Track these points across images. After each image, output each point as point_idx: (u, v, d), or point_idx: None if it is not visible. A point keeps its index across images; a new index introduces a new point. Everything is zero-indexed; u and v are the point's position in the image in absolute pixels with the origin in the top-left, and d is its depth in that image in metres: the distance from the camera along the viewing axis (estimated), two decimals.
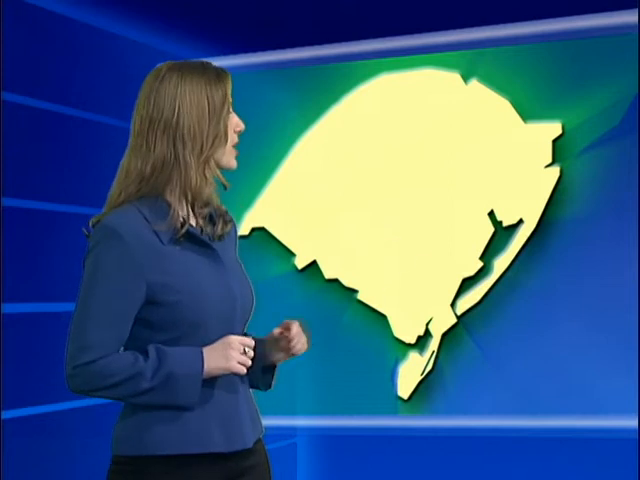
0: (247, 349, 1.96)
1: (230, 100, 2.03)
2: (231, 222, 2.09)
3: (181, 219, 1.98)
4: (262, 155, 4.54)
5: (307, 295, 4.49)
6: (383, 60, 4.43)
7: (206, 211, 2.05)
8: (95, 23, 4.16)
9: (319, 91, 4.54)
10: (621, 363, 4.01)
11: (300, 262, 4.53)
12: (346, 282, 4.47)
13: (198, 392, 1.93)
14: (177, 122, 1.97)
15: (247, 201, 4.46)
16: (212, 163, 2.00)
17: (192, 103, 1.98)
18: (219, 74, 2.02)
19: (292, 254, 4.54)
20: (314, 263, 4.53)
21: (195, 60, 2.07)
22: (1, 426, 3.57)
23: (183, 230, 1.97)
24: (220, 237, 2.05)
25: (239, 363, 1.95)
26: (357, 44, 4.44)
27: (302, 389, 4.44)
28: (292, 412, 4.45)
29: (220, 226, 2.05)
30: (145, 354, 1.92)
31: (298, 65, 4.54)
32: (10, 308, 3.67)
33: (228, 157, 2.04)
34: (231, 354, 1.94)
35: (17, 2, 3.77)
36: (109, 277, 1.92)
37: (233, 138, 2.04)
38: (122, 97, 4.19)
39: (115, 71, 4.23)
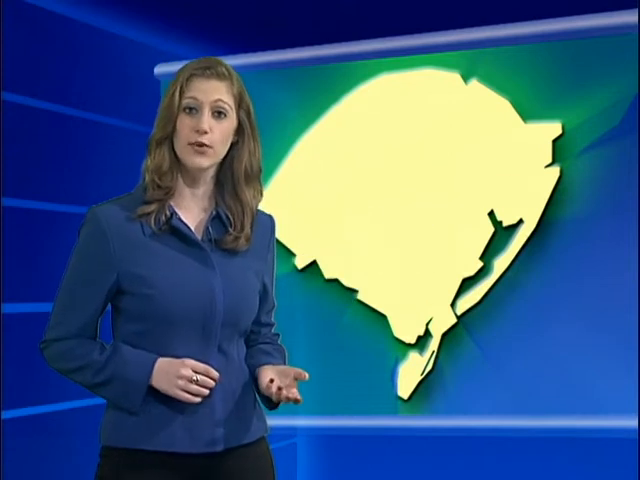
0: (198, 377, 1.95)
1: (192, 95, 1.99)
2: (248, 241, 2.04)
3: (168, 213, 1.99)
4: (262, 155, 4.53)
5: (307, 295, 4.48)
6: (383, 60, 4.43)
7: (214, 212, 2.04)
8: (95, 23, 4.16)
9: (319, 91, 4.53)
10: (621, 363, 4.00)
11: (300, 262, 4.53)
12: (346, 282, 4.47)
13: (139, 400, 1.95)
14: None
15: None
16: (161, 152, 2.00)
17: (165, 92, 2.04)
18: (191, 73, 2.02)
19: (292, 254, 4.54)
20: (314, 263, 4.52)
21: (208, 57, 2.07)
22: (1, 426, 3.57)
23: (153, 221, 1.97)
24: (230, 249, 2.03)
25: (186, 391, 1.94)
26: (357, 44, 4.44)
27: (302, 389, 4.43)
28: (292, 412, 4.45)
29: (230, 238, 2.03)
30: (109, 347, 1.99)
31: (298, 65, 4.53)
32: (10, 308, 3.67)
33: (183, 154, 2.01)
34: (177, 383, 1.94)
35: (17, 2, 3.77)
36: (79, 262, 1.99)
37: (189, 137, 1.99)
38: (122, 97, 4.19)
39: (115, 71, 4.23)
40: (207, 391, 1.95)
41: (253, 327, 2.12)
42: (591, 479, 4.01)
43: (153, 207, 1.98)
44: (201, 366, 1.95)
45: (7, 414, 3.62)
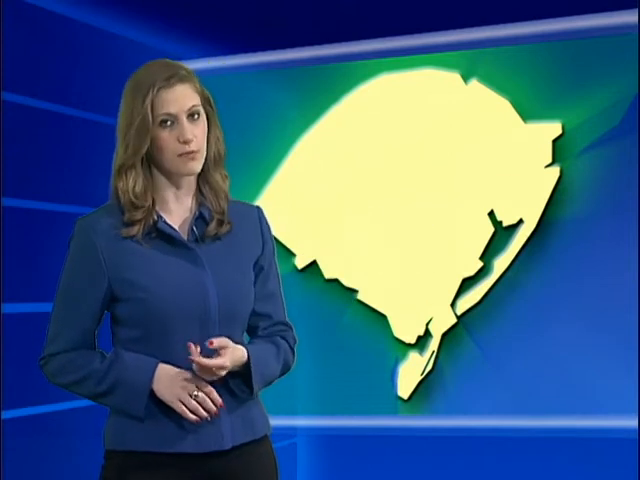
0: (199, 394, 1.94)
1: (166, 111, 1.99)
2: (229, 224, 2.06)
3: (154, 217, 2.00)
4: (262, 155, 4.54)
5: (307, 295, 4.48)
6: (383, 60, 4.43)
7: (197, 213, 2.05)
8: (95, 23, 4.16)
9: (319, 91, 4.53)
10: (621, 363, 4.01)
11: (300, 262, 4.53)
12: (346, 282, 4.47)
13: (143, 405, 1.95)
14: (117, 130, 2.02)
15: (247, 201, 4.45)
16: (133, 173, 1.99)
17: (122, 112, 2.02)
18: (158, 87, 1.99)
19: (292, 254, 4.54)
20: (314, 263, 4.52)
21: (160, 62, 2.05)
22: (1, 426, 3.57)
23: (140, 234, 1.98)
24: (214, 237, 2.04)
25: (186, 407, 1.93)
26: (357, 44, 4.44)
27: (302, 389, 4.44)
28: (292, 412, 4.45)
29: (213, 226, 2.04)
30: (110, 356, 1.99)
31: (298, 65, 4.53)
32: (10, 308, 3.67)
33: (175, 166, 2.00)
34: (180, 394, 1.94)
35: (17, 2, 3.77)
36: (71, 275, 2.01)
37: (176, 149, 1.99)
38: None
39: (115, 71, 4.22)
40: (205, 413, 1.94)
41: (251, 320, 2.10)
42: (591, 479, 4.01)
43: (137, 227, 1.99)
44: (206, 385, 1.95)
45: (7, 414, 3.62)
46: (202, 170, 2.06)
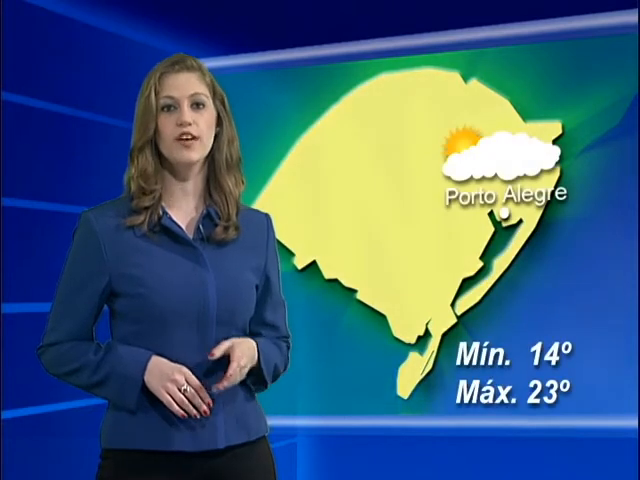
0: (188, 389, 1.93)
1: (167, 94, 2.01)
2: (237, 230, 2.05)
3: (160, 212, 2.00)
4: (262, 155, 4.54)
5: (307, 295, 4.48)
6: (383, 60, 4.43)
7: (205, 211, 2.05)
8: (95, 23, 4.17)
9: (319, 91, 4.53)
10: (621, 363, 4.00)
11: (300, 262, 4.53)
12: (346, 282, 4.46)
13: (136, 396, 1.95)
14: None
15: (246, 201, 4.44)
16: (143, 157, 2.01)
17: (138, 99, 2.06)
18: (161, 72, 2.04)
19: (292, 254, 4.54)
20: (314, 263, 4.52)
21: (176, 54, 2.11)
22: (1, 426, 3.57)
23: (146, 226, 1.98)
24: (220, 241, 2.04)
25: (174, 400, 1.93)
26: (357, 44, 4.44)
27: (302, 389, 4.44)
28: (292, 412, 4.45)
29: (220, 230, 2.04)
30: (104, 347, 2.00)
31: (298, 65, 4.53)
32: (10, 308, 3.67)
33: (171, 151, 2.01)
34: (166, 384, 1.94)
35: (17, 2, 3.77)
36: (72, 267, 2.01)
37: (173, 133, 2.00)
38: (122, 97, 4.19)
39: (115, 71, 4.23)
40: (193, 409, 1.94)
41: (256, 328, 2.11)
42: (591, 479, 4.01)
43: (142, 217, 1.99)
44: (196, 382, 1.94)
45: (7, 414, 3.62)
46: (214, 173, 2.06)
